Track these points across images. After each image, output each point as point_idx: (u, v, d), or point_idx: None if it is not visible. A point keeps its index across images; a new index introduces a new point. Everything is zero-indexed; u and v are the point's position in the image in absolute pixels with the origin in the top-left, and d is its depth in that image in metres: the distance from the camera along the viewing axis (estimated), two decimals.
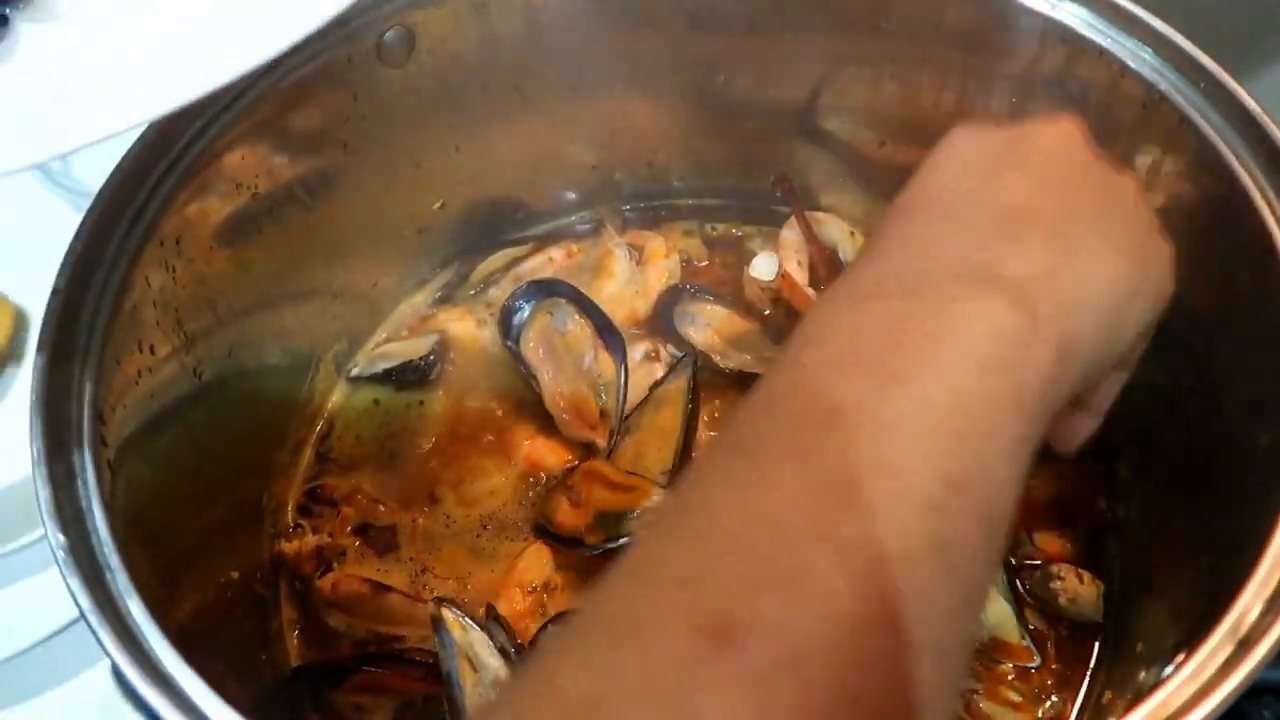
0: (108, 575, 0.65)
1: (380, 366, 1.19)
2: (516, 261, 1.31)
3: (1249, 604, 0.58)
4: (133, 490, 0.77)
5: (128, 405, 0.81)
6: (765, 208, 1.33)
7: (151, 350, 0.86)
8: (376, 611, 1.04)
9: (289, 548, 1.07)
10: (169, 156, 0.90)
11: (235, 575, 0.96)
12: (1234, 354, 0.83)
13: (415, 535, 1.10)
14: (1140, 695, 0.58)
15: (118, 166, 0.87)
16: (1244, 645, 0.56)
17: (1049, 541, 1.02)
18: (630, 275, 1.27)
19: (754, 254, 1.28)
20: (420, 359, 1.16)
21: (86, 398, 0.75)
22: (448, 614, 0.97)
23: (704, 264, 1.30)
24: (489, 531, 1.09)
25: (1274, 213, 0.76)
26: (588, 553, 1.00)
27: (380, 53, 1.05)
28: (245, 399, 1.04)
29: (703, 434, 1.11)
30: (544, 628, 0.98)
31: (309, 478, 1.15)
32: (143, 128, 0.88)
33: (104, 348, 0.79)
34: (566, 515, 1.04)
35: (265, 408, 1.09)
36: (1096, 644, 0.97)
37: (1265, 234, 0.76)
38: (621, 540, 0.98)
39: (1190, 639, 0.69)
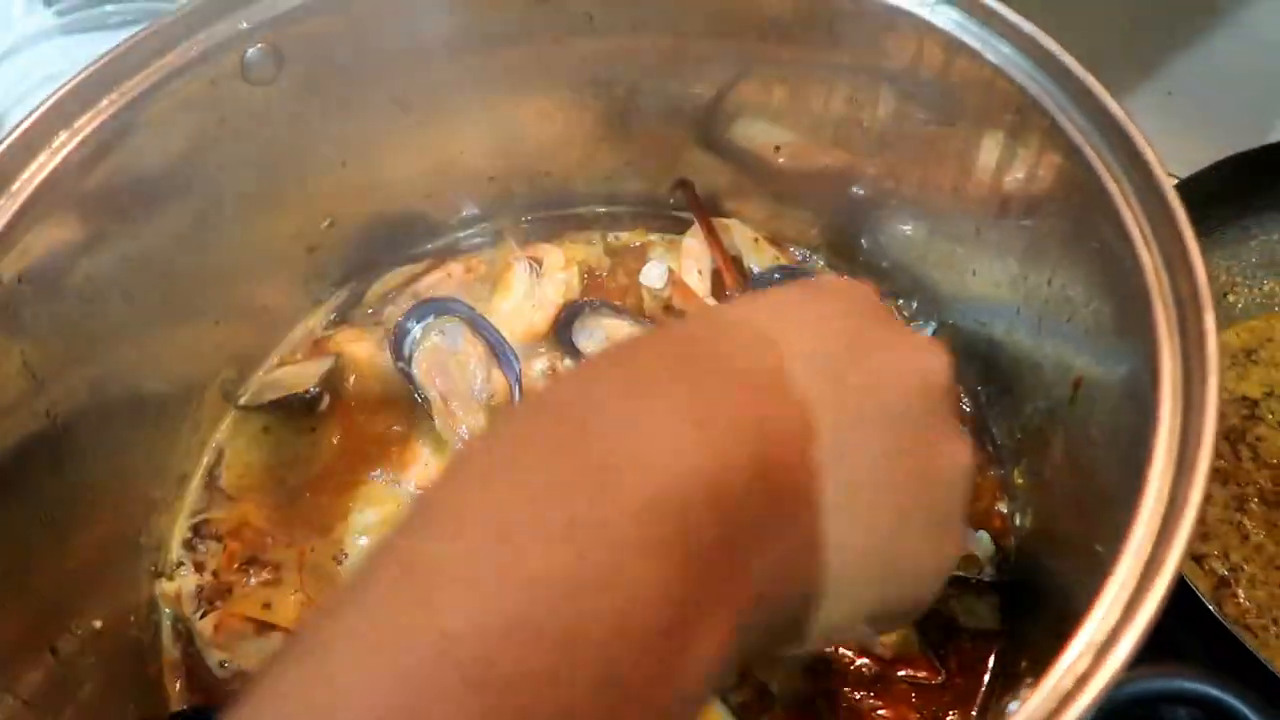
0: None
1: (267, 397, 1.15)
2: (414, 278, 1.28)
3: (1108, 610, 0.56)
4: None
5: None
6: (668, 215, 1.30)
7: None
8: (262, 652, 1.01)
9: (169, 587, 1.03)
10: (7, 189, 0.85)
11: (99, 624, 0.91)
12: (1104, 357, 0.81)
13: (304, 568, 1.06)
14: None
15: None
16: (1101, 654, 0.54)
17: None
18: (529, 289, 1.24)
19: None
20: (305, 391, 1.12)
21: None
22: None
23: (604, 275, 1.28)
24: None
25: (1136, 219, 0.74)
26: None
27: (245, 72, 1.01)
28: (115, 436, 0.99)
29: None
30: None
31: (194, 511, 1.11)
32: None
33: None
34: None
35: (141, 443, 1.05)
36: (992, 656, 0.96)
37: (1126, 238, 0.74)
38: None
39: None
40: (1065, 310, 0.87)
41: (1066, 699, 0.53)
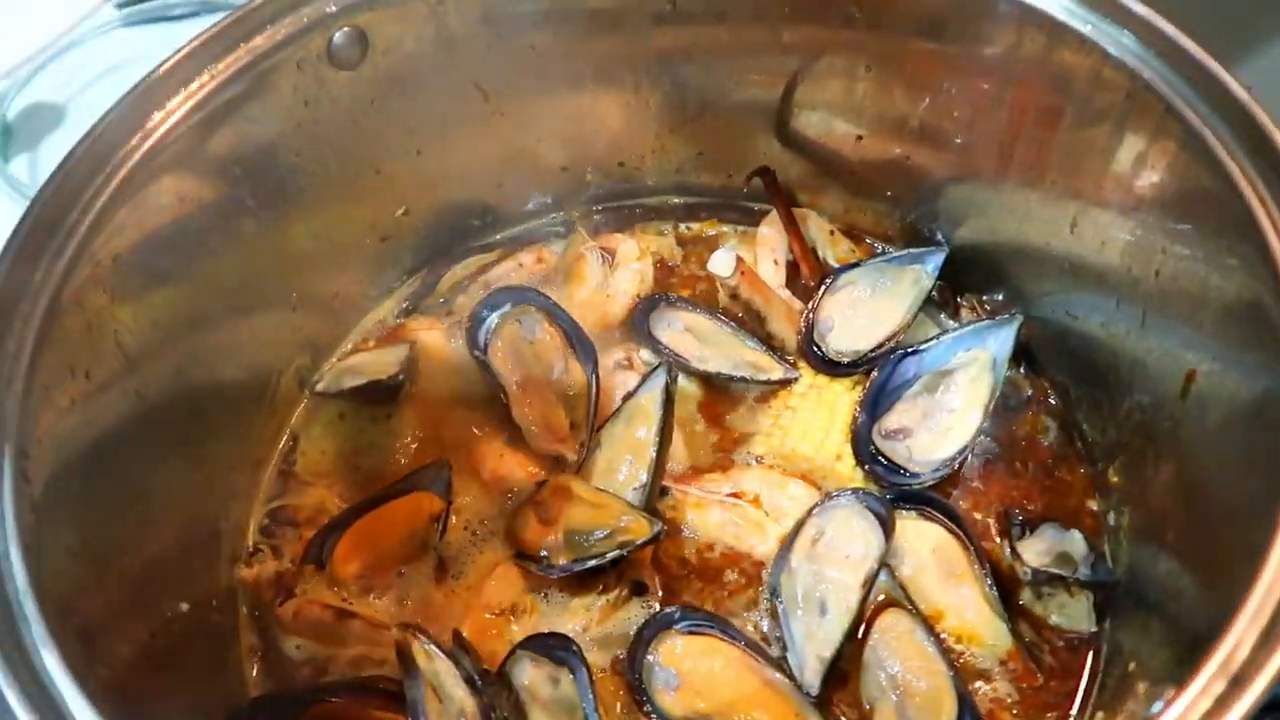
0: (22, 627, 0.61)
1: (347, 384, 1.14)
2: (485, 268, 1.27)
3: (1241, 637, 0.53)
4: (62, 530, 0.73)
5: (59, 436, 0.77)
6: (740, 206, 1.28)
7: (87, 375, 0.82)
8: (340, 638, 1.00)
9: (248, 574, 1.03)
10: (104, 171, 0.85)
11: (186, 607, 0.91)
12: (1225, 357, 0.78)
13: None
14: None
15: (47, 183, 0.82)
16: (1236, 683, 0.52)
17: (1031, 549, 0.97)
18: (602, 280, 1.23)
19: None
20: (389, 378, 1.12)
21: (8, 432, 0.70)
22: (414, 642, 0.93)
23: (677, 264, 1.26)
24: (456, 549, 1.05)
25: (1264, 206, 0.71)
26: (555, 574, 0.96)
27: (330, 55, 1.01)
28: (197, 420, 0.99)
29: (677, 443, 1.08)
30: (511, 653, 0.94)
31: (270, 497, 1.11)
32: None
33: (30, 376, 0.74)
34: (534, 533, 1.00)
35: (221, 427, 1.04)
36: (1089, 658, 0.93)
37: (1255, 228, 0.71)
38: (590, 561, 0.94)
39: (1182, 661, 0.65)
40: (1177, 306, 0.84)
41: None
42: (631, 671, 0.93)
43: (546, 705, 0.92)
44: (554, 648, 0.93)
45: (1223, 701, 0.51)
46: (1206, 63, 0.77)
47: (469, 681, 0.90)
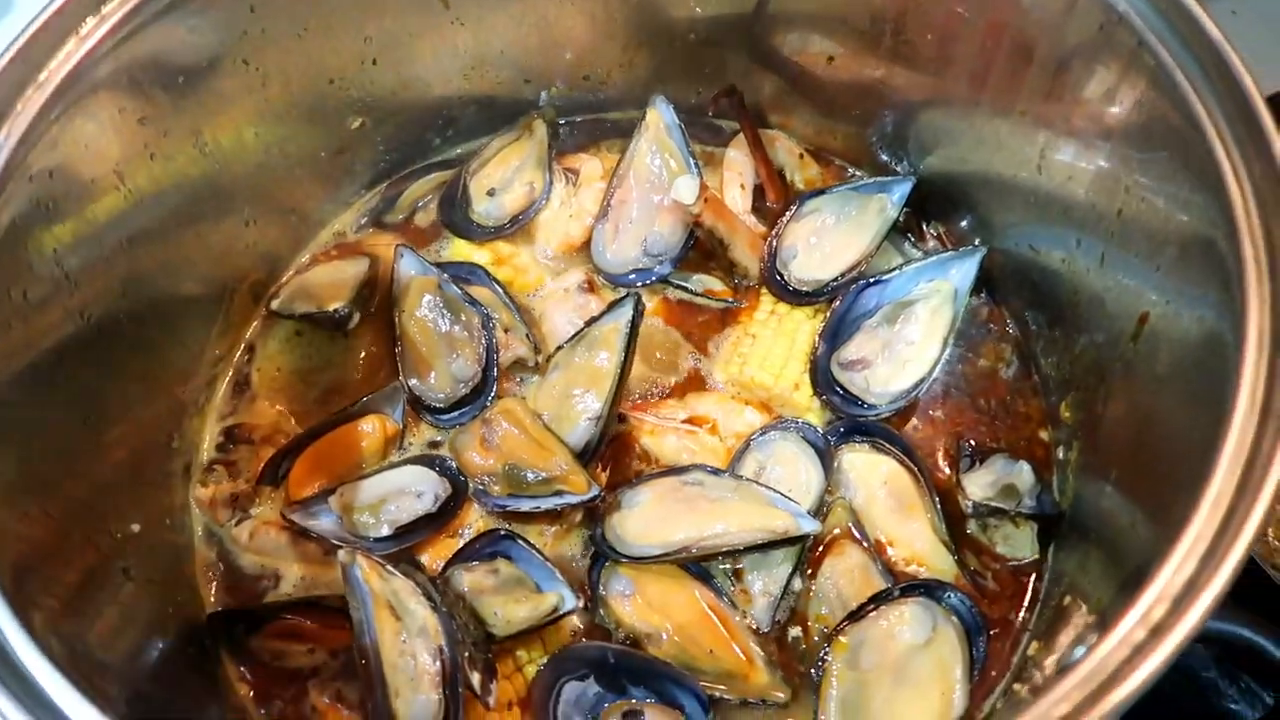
0: None
1: (299, 308, 1.11)
2: (443, 186, 1.24)
3: (1180, 565, 0.55)
4: (3, 453, 0.72)
5: None
6: (707, 124, 1.24)
7: (25, 296, 0.80)
8: (295, 558, 1.01)
9: (204, 493, 1.02)
10: (35, 79, 0.81)
11: (138, 528, 0.91)
12: (1178, 298, 0.78)
13: None
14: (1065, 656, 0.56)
15: None
16: (1175, 610, 0.53)
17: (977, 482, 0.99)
18: (565, 200, 1.20)
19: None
20: (335, 310, 1.09)
21: None
22: (363, 561, 0.93)
23: None
24: None
25: (1226, 148, 0.70)
26: (490, 505, 0.97)
27: None
28: (146, 337, 0.97)
29: (634, 366, 1.06)
30: (442, 572, 0.96)
31: (224, 414, 1.10)
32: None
33: None
34: (477, 454, 1.00)
35: (172, 344, 1.03)
36: (1031, 583, 0.96)
37: (1216, 170, 0.70)
38: (524, 504, 0.95)
39: (1120, 594, 0.67)
40: (1136, 244, 0.84)
41: (1141, 648, 0.52)
42: (591, 576, 0.95)
43: (496, 591, 0.94)
44: (479, 549, 0.95)
45: (1159, 630, 0.53)
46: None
47: (427, 597, 0.92)
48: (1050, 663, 0.79)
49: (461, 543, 0.98)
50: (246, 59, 1.00)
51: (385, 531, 0.97)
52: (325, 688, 0.96)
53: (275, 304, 1.14)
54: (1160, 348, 0.80)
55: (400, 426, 1.03)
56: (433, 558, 0.99)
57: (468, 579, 0.94)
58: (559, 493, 0.94)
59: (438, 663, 0.87)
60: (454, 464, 1.00)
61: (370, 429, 1.03)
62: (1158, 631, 0.53)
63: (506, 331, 1.06)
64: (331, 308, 1.09)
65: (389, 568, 0.92)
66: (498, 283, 1.10)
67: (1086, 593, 0.82)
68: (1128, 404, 0.87)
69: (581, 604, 0.92)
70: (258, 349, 1.14)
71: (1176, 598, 0.53)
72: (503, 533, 0.96)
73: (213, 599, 1.00)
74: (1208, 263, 0.71)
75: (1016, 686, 0.85)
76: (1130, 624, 0.54)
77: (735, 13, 1.14)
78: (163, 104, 0.93)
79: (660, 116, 1.14)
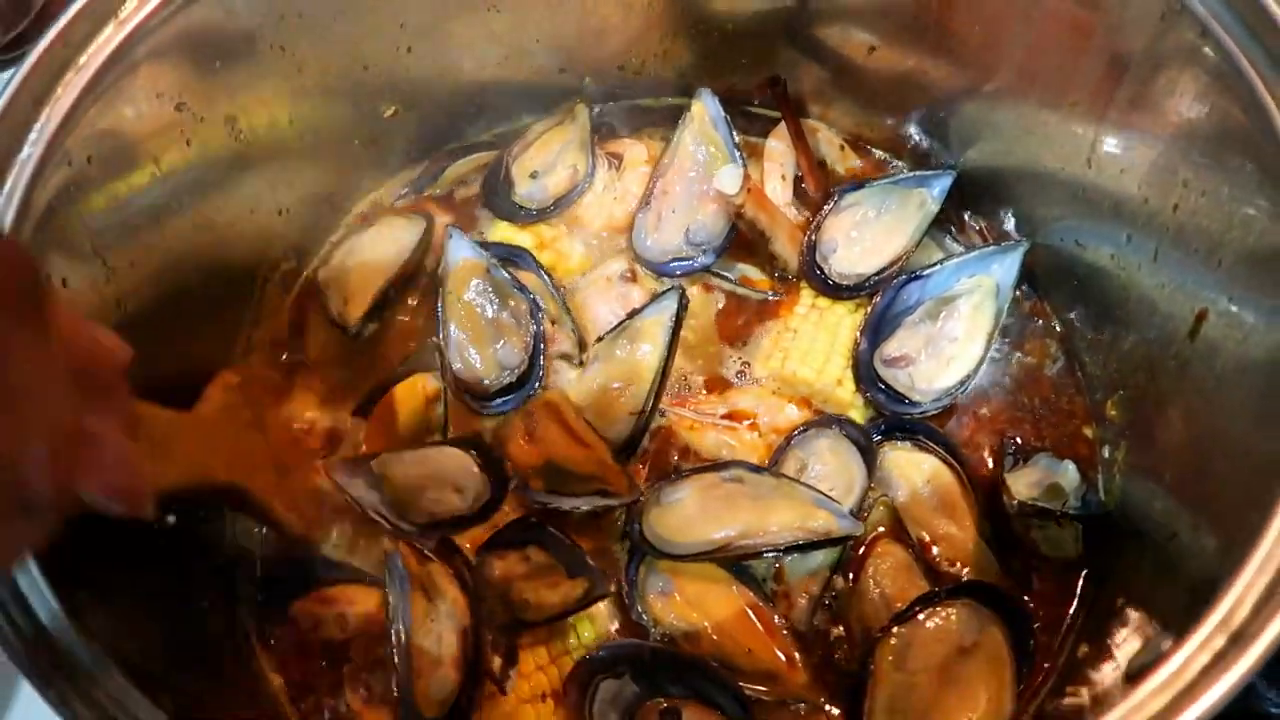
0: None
1: (329, 299, 1.11)
2: (484, 167, 1.22)
3: (1243, 593, 0.53)
4: None
5: None
6: (746, 114, 1.22)
7: (64, 284, 0.79)
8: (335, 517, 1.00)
9: None
10: (75, 61, 0.80)
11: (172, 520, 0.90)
12: (1241, 300, 0.76)
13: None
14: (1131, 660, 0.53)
15: (13, 79, 0.77)
16: (1236, 640, 0.51)
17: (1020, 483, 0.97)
18: (609, 183, 1.19)
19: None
20: (349, 327, 1.09)
21: None
22: (404, 549, 0.94)
23: None
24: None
25: None
26: (530, 499, 0.96)
27: None
28: (181, 326, 0.96)
29: (675, 359, 1.05)
30: (482, 549, 0.96)
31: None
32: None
33: None
34: (518, 447, 0.98)
35: (207, 332, 1.03)
36: (1078, 586, 0.94)
37: None
38: (565, 503, 0.93)
39: (1177, 605, 0.65)
40: (1194, 241, 0.81)
41: (1223, 656, 0.50)
42: (628, 572, 0.94)
43: (527, 577, 0.94)
44: (511, 539, 0.94)
45: (1222, 658, 0.51)
46: None
47: (459, 579, 0.92)
48: (1108, 667, 0.77)
49: (494, 531, 0.97)
50: (283, 45, 0.99)
51: (422, 520, 0.96)
52: (357, 682, 0.95)
53: (322, 272, 1.13)
54: (1220, 351, 0.78)
55: (440, 385, 1.02)
56: (464, 542, 0.98)
57: (499, 565, 0.94)
58: (600, 491, 0.93)
59: (460, 643, 0.89)
60: (496, 457, 0.99)
61: (412, 388, 1.03)
62: (1238, 639, 0.51)
63: (553, 324, 1.04)
64: (351, 322, 1.09)
65: (427, 552, 0.93)
66: (544, 270, 1.08)
67: (1142, 595, 0.80)
68: (1184, 405, 0.85)
69: (612, 589, 0.91)
70: (292, 337, 1.13)
71: (1257, 603, 0.51)
72: (534, 520, 0.95)
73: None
74: (1276, 266, 0.69)
75: (1069, 689, 0.83)
76: (1208, 630, 0.52)
77: (776, 5, 1.12)
78: (198, 89, 0.92)
79: (705, 109, 1.13)
